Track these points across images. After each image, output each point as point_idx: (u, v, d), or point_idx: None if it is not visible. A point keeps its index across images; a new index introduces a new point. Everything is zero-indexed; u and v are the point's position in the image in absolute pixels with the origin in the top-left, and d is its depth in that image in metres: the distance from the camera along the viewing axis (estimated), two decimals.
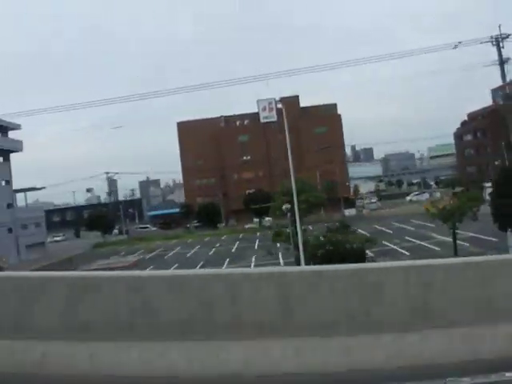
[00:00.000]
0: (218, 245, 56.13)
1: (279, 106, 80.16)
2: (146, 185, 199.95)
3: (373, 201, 78.22)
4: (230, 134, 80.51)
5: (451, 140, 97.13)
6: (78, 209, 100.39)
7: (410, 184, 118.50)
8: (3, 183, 61.96)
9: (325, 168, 74.21)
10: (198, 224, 76.63)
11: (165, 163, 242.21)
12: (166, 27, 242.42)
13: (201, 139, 79.11)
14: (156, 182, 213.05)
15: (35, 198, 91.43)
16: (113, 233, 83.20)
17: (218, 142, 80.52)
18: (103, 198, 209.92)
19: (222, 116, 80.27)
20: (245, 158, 79.20)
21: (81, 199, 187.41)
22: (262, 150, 78.18)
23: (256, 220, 74.52)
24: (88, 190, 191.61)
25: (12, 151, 63.76)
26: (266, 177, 76.23)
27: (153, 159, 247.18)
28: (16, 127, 63.12)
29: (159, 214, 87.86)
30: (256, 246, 52.44)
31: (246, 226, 69.97)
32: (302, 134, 78.08)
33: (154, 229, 79.49)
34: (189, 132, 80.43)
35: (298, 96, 78.74)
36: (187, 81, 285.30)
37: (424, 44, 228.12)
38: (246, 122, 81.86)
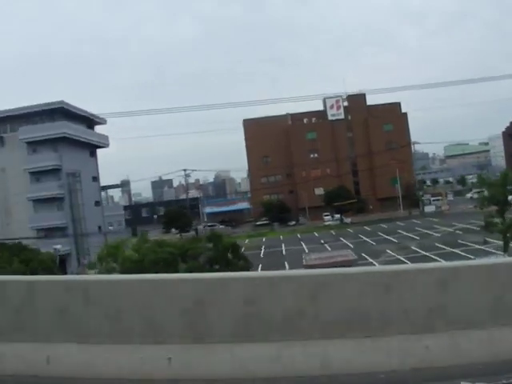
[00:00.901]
0: (322, 241, 53.67)
1: (345, 103, 78.65)
2: (158, 185, 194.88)
3: (449, 198, 76.92)
4: (298, 131, 77.15)
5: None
6: (132, 207, 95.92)
7: (447, 182, 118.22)
8: (91, 180, 58.34)
9: (393, 166, 72.78)
10: (266, 221, 74.07)
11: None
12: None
13: (267, 137, 76.61)
14: (169, 182, 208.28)
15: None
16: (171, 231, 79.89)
17: (286, 139, 77.31)
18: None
19: (287, 113, 77.96)
20: (312, 155, 77.08)
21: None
22: (330, 148, 75.94)
23: (327, 217, 72.57)
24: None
25: (98, 146, 60.15)
26: (333, 174, 74.28)
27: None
28: (102, 121, 59.41)
29: (217, 212, 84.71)
30: (372, 241, 50.47)
31: (326, 223, 67.94)
32: (370, 132, 76.65)
33: (222, 227, 76.32)
34: (255, 129, 77.82)
35: (364, 94, 77.17)
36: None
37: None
38: (312, 119, 79.90)
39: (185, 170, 73.42)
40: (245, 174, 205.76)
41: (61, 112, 51.21)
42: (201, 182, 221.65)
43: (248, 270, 24.68)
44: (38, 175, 51.08)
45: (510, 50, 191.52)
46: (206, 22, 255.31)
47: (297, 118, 79.13)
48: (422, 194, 75.81)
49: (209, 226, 76.58)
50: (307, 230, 63.67)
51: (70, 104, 51.54)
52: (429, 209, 67.76)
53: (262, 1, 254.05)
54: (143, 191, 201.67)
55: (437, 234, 50.35)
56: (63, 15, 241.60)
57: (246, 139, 79.59)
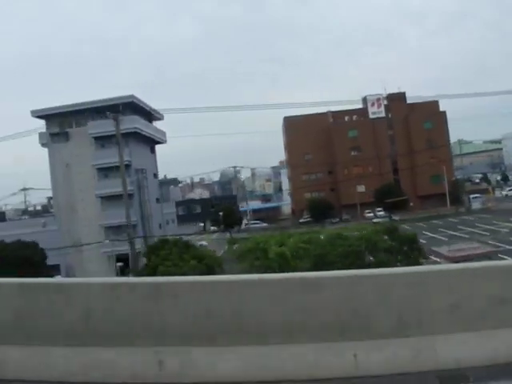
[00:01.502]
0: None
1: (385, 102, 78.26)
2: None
3: (497, 195, 76.61)
4: (340, 129, 76.25)
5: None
6: None
7: (467, 180, 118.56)
8: (152, 176, 56.79)
9: (434, 163, 72.93)
10: (308, 219, 73.44)
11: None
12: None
13: (308, 134, 75.96)
14: (175, 181, 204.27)
15: None
16: (209, 228, 79.08)
17: (327, 137, 76.42)
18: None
19: (328, 111, 77.29)
20: (353, 153, 76.76)
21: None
22: (371, 146, 75.47)
23: (370, 214, 72.26)
24: None
25: (157, 142, 58.64)
26: (375, 172, 73.97)
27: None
28: (160, 117, 57.79)
29: (254, 209, 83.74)
30: (441, 237, 49.78)
31: (374, 220, 67.47)
32: (410, 130, 76.56)
33: (265, 224, 75.67)
34: (296, 127, 77.09)
35: (404, 93, 77.13)
36: None
37: None
38: (353, 117, 79.67)
39: (234, 167, 72.09)
40: (249, 174, 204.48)
41: (129, 107, 49.70)
42: (206, 181, 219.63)
43: (422, 263, 24.02)
44: (105, 171, 49.47)
45: (510, 49, 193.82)
46: (206, 22, 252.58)
47: (337, 116, 78.75)
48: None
49: (252, 223, 75.85)
50: (360, 228, 62.86)
51: (139, 98, 50.06)
52: (475, 205, 68.02)
53: (261, 1, 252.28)
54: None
55: (504, 230, 50.18)
56: (63, 15, 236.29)
57: (287, 137, 79.06)
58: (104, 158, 48.41)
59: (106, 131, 47.57)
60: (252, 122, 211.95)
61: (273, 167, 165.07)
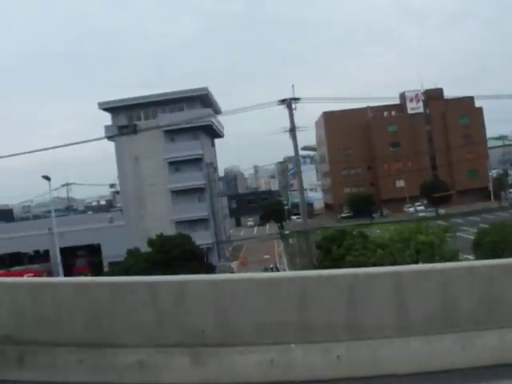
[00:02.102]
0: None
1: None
2: None
3: None
4: (380, 124, 76.04)
5: None
6: None
7: None
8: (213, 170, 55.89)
9: (471, 159, 73.79)
10: (349, 214, 73.44)
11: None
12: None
13: (347, 129, 75.96)
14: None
15: None
16: (246, 223, 78.77)
17: (367, 132, 76.46)
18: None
19: (367, 106, 77.23)
20: (392, 148, 77.09)
21: None
22: (410, 141, 75.91)
23: (411, 210, 72.58)
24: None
25: (217, 136, 57.77)
26: (414, 167, 74.33)
27: None
28: (218, 110, 56.90)
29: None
30: None
31: (420, 214, 67.77)
32: (448, 125, 77.17)
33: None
34: (335, 122, 76.91)
35: (441, 89, 77.57)
36: None
37: None
38: (390, 113, 79.97)
39: (282, 163, 71.47)
40: (252, 171, 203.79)
41: (198, 99, 48.91)
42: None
43: None
44: (176, 165, 48.56)
45: (510, 49, 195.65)
46: (206, 22, 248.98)
47: (375, 111, 78.79)
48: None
49: (289, 218, 75.49)
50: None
51: (210, 91, 49.21)
52: None
53: (262, 1, 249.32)
54: None
55: None
56: (63, 15, 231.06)
57: (326, 132, 78.94)
58: (176, 151, 47.50)
59: (178, 124, 46.67)
60: (250, 121, 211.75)
61: (280, 162, 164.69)
